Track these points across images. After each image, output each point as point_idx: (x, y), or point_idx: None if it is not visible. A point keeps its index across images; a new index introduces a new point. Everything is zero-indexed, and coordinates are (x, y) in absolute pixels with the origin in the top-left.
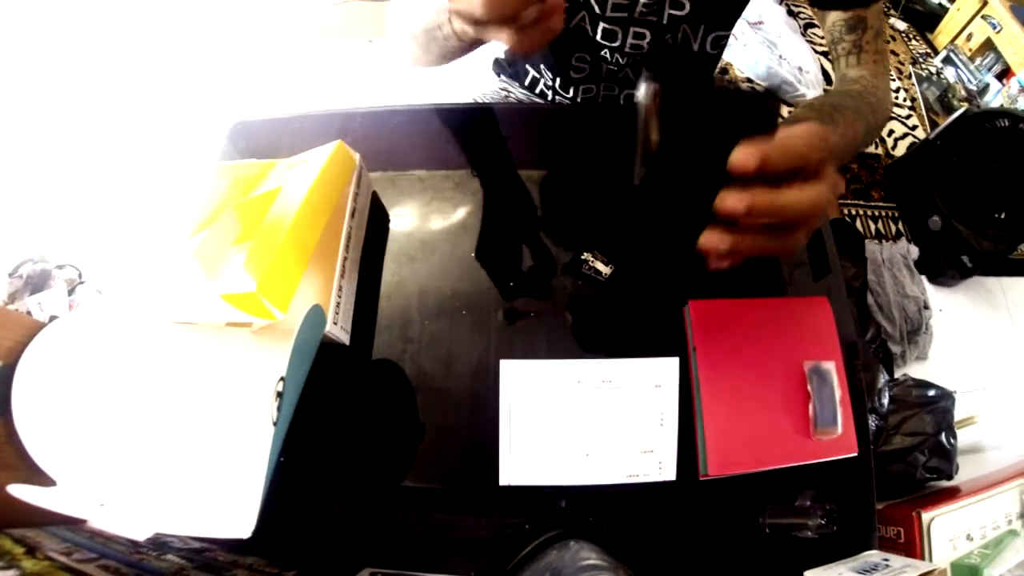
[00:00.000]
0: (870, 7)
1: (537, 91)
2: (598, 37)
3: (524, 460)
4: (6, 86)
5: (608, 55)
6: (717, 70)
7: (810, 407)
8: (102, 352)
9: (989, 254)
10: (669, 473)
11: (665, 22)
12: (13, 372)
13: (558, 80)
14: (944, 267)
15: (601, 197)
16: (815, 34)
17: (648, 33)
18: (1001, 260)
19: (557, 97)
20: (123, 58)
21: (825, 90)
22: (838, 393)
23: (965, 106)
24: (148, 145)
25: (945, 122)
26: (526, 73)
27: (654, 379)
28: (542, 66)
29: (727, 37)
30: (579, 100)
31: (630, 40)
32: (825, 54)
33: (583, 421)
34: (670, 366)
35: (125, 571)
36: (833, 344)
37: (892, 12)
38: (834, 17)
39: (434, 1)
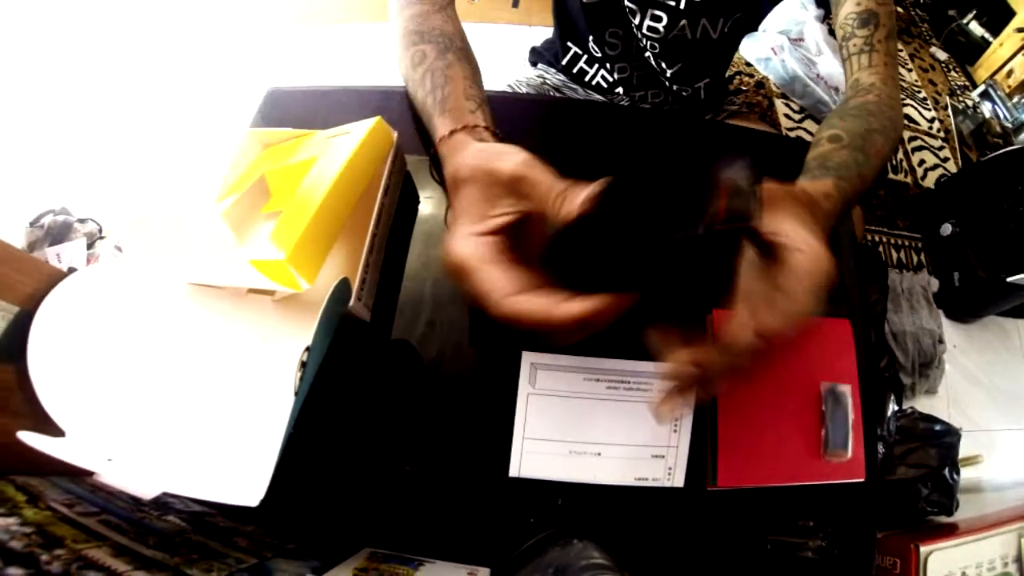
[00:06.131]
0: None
1: (575, 70)
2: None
3: (536, 454)
4: (41, 42)
5: (635, 31)
6: (753, 83)
7: (823, 428)
8: (123, 307)
9: (978, 279)
10: (678, 480)
11: (682, 7)
12: (31, 319)
13: (599, 53)
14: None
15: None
16: None
17: (664, 16)
18: (992, 289)
19: (595, 79)
20: (160, 17)
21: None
22: (851, 417)
23: (999, 143)
24: (180, 105)
25: (981, 159)
26: (567, 50)
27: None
28: (591, 38)
29: (745, 19)
30: (615, 79)
31: (647, 22)
32: None
33: (598, 420)
34: None
35: (126, 528)
36: (851, 367)
37: (934, 41)
38: (847, 10)
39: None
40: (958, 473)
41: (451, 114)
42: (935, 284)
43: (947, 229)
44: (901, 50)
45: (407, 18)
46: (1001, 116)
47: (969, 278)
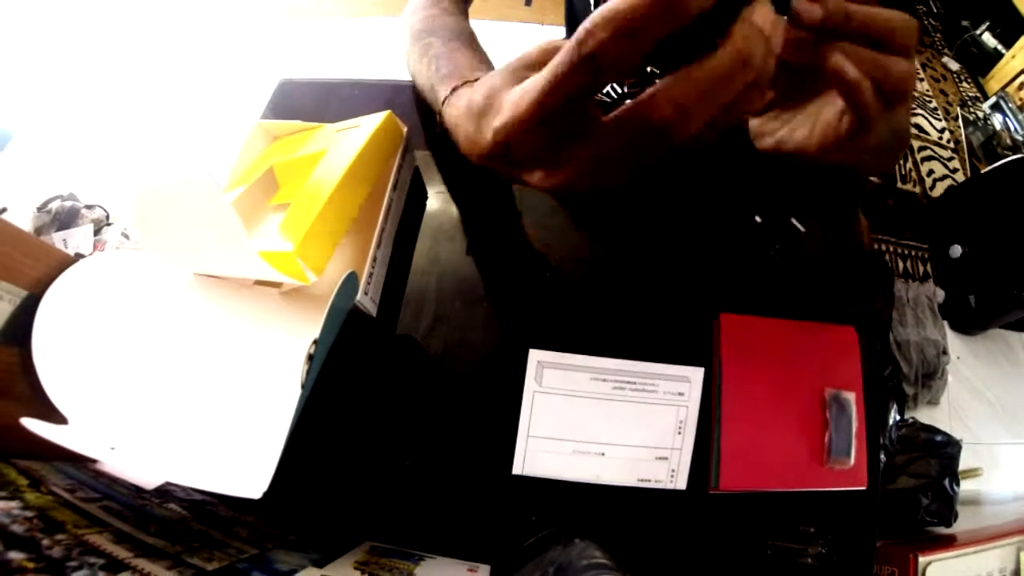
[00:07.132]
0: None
1: None
2: None
3: (539, 452)
4: (54, 31)
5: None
6: None
7: (826, 435)
8: (130, 296)
9: (995, 298)
10: (680, 482)
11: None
12: (37, 303)
13: None
14: (951, 305)
15: (645, 195)
16: None
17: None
18: (1006, 307)
19: (605, 88)
20: (173, 7)
21: None
22: (855, 425)
23: (1009, 155)
24: (191, 95)
25: (989, 167)
26: None
27: (678, 386)
28: None
29: None
30: (625, 91)
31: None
32: None
33: (603, 420)
34: (695, 375)
35: (127, 515)
36: (856, 375)
37: (946, 51)
38: None
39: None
40: (958, 485)
41: (452, 77)
42: (940, 295)
43: (956, 251)
44: None
45: (417, 20)
46: (1012, 128)
47: (987, 299)
